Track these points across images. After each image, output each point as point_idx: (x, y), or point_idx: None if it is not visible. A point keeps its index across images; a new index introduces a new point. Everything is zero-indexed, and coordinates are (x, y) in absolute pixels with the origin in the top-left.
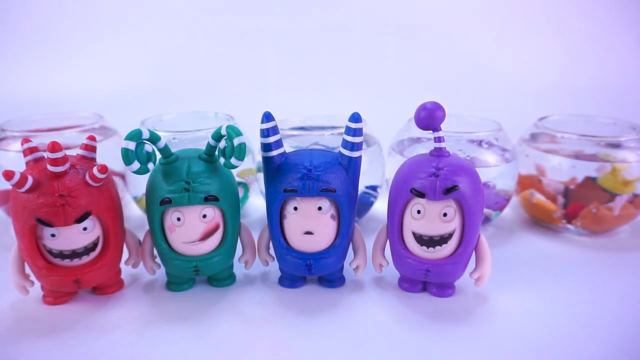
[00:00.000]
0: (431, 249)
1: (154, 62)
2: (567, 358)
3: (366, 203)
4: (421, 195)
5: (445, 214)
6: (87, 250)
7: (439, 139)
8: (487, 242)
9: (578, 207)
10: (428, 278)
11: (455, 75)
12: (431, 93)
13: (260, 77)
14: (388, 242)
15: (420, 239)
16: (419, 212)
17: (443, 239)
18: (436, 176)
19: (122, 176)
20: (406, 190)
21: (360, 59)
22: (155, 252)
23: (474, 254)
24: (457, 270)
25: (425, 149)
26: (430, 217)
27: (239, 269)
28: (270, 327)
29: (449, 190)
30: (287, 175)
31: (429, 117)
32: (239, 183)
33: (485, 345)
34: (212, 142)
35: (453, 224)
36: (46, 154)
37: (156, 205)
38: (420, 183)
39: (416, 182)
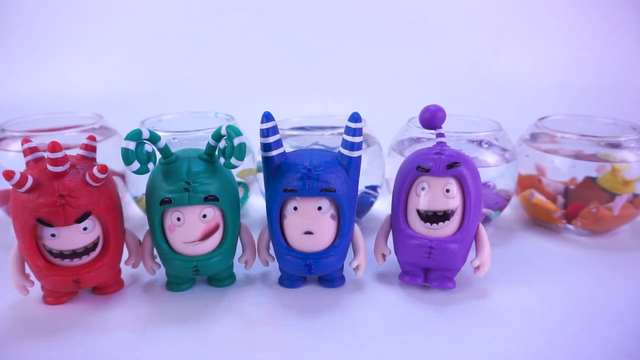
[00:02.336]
0: (435, 225)
1: (154, 62)
2: (567, 357)
3: (366, 203)
4: (426, 170)
5: (448, 190)
6: (87, 250)
7: (440, 135)
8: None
9: (578, 207)
10: (431, 260)
11: (455, 75)
12: (431, 93)
13: (260, 77)
14: (391, 234)
15: (425, 216)
16: (423, 188)
17: (446, 215)
18: (440, 154)
19: (122, 176)
20: (412, 168)
21: (361, 59)
22: (155, 252)
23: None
24: (459, 253)
25: None
26: (434, 192)
27: (239, 269)
28: (270, 327)
29: (452, 165)
30: (287, 175)
31: (432, 118)
32: (239, 183)
33: (486, 344)
34: (212, 142)
35: (455, 201)
36: (46, 154)
37: (156, 205)
38: (424, 159)
39: (421, 159)
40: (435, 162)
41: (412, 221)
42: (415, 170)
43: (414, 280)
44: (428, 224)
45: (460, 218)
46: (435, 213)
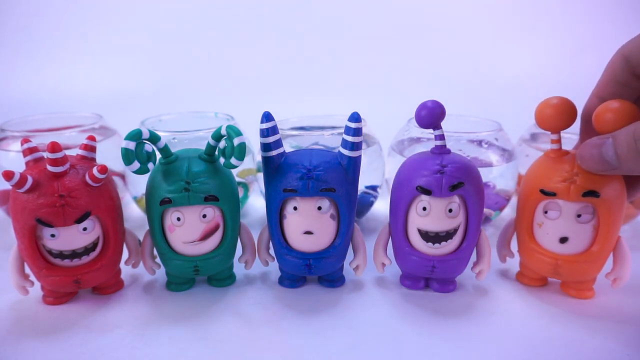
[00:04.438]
0: (437, 245)
1: (153, 62)
2: (568, 357)
3: (366, 203)
4: (427, 192)
5: (450, 210)
6: (87, 250)
7: (440, 137)
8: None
9: None
10: (434, 274)
11: (455, 75)
12: (431, 93)
13: (260, 77)
14: (390, 241)
15: (426, 236)
16: (424, 209)
17: (449, 234)
18: (442, 173)
19: (122, 176)
20: (411, 188)
21: (360, 59)
22: (155, 252)
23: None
24: (461, 265)
25: (425, 148)
26: (436, 213)
27: (239, 269)
28: (270, 327)
29: (455, 187)
30: (286, 175)
31: (430, 116)
32: (239, 183)
33: (486, 344)
34: (212, 142)
35: (458, 220)
36: (46, 154)
37: (156, 205)
38: (425, 180)
39: (421, 179)
40: (437, 182)
41: (413, 239)
42: (415, 190)
43: (415, 286)
44: (430, 244)
45: (462, 233)
46: (437, 234)
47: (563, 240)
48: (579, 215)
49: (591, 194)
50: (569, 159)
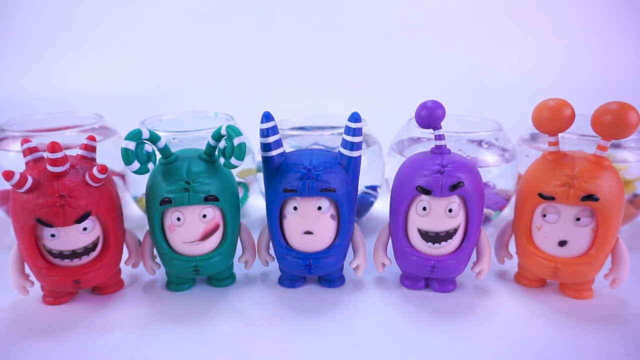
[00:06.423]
0: (437, 245)
1: (153, 62)
2: (567, 357)
3: (366, 203)
4: (427, 192)
5: (450, 210)
6: (87, 250)
7: (439, 137)
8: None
9: None
10: (433, 274)
11: (455, 75)
12: (431, 93)
13: (260, 77)
14: (390, 241)
15: (426, 236)
16: (424, 209)
17: (449, 234)
18: (441, 173)
19: (122, 176)
20: (411, 188)
21: (360, 59)
22: (155, 252)
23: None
24: (461, 265)
25: (425, 148)
26: (435, 213)
27: (239, 269)
28: (270, 327)
29: (455, 187)
30: (286, 175)
31: (430, 116)
32: (239, 183)
33: (486, 344)
34: (212, 142)
35: (458, 219)
36: (46, 154)
37: (156, 205)
38: (425, 180)
39: (421, 179)
40: (437, 182)
41: (413, 238)
42: (415, 190)
43: (415, 286)
44: (430, 244)
45: (462, 233)
46: (437, 234)
47: (562, 243)
48: (577, 219)
49: (590, 198)
50: (567, 162)
